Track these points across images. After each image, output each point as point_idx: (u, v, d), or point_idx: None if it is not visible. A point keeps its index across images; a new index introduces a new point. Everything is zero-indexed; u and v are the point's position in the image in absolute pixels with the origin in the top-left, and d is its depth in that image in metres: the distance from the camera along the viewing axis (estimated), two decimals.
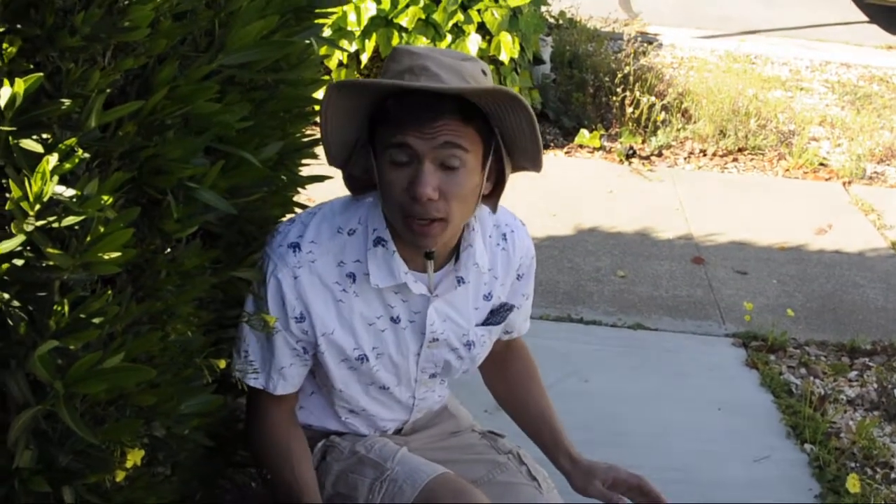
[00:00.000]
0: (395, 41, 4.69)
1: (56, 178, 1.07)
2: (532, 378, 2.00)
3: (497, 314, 1.81)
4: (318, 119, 1.63)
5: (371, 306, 1.69)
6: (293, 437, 1.76)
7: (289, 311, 1.65)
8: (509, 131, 1.60)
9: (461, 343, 1.78)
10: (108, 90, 1.18)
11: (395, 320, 1.71)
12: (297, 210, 1.82)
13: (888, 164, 5.42)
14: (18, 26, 1.11)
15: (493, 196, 1.67)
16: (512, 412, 2.01)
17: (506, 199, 1.70)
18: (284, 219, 1.89)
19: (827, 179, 5.17)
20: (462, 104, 1.53)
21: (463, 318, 1.76)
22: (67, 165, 1.08)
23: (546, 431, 1.93)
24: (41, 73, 1.07)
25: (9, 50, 1.09)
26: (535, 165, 1.64)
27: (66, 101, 1.11)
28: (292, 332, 1.67)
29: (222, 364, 1.50)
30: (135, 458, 1.26)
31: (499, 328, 1.85)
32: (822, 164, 5.30)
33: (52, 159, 1.06)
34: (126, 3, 1.19)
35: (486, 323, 1.80)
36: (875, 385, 3.36)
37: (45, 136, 1.11)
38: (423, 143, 1.52)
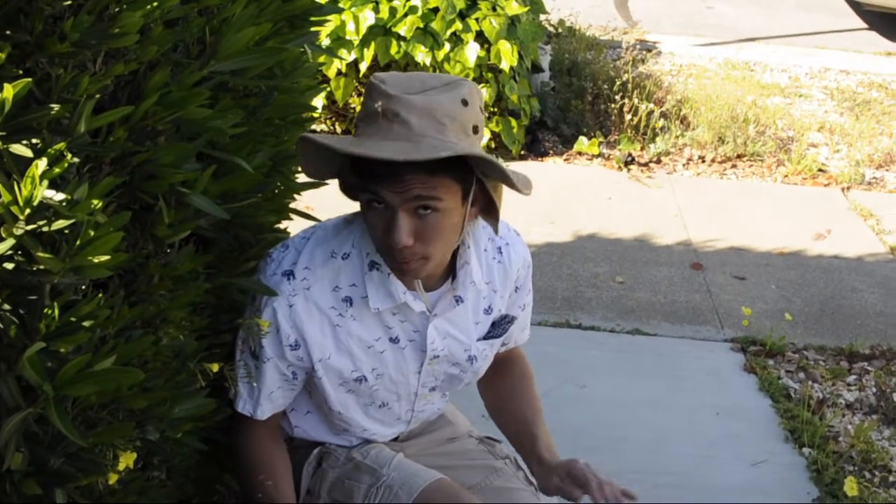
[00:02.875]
0: (393, 50, 4.71)
1: (46, 182, 1.07)
2: (522, 388, 1.95)
3: (498, 326, 1.80)
4: (314, 126, 1.63)
5: (369, 329, 1.68)
6: (276, 454, 1.75)
7: (283, 340, 1.64)
8: (487, 171, 1.57)
9: (463, 358, 1.77)
10: (98, 95, 1.19)
11: (394, 340, 1.70)
12: (293, 216, 1.83)
13: (887, 170, 5.42)
14: (8, 32, 1.11)
15: (491, 217, 1.65)
16: (496, 420, 1.97)
17: (504, 206, 1.69)
18: (280, 225, 1.89)
19: (826, 185, 5.18)
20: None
21: (464, 335, 1.75)
22: (57, 170, 1.09)
23: (526, 438, 1.86)
24: (30, 79, 1.08)
25: None
26: (522, 192, 1.60)
27: (56, 107, 1.12)
28: (286, 358, 1.66)
29: (215, 368, 1.51)
30: (127, 460, 1.26)
31: (500, 340, 1.83)
32: (820, 170, 5.31)
33: (42, 164, 1.07)
34: (116, 10, 1.20)
35: (487, 336, 1.79)
36: (873, 389, 3.36)
37: (34, 140, 1.11)
38: (394, 196, 1.50)
